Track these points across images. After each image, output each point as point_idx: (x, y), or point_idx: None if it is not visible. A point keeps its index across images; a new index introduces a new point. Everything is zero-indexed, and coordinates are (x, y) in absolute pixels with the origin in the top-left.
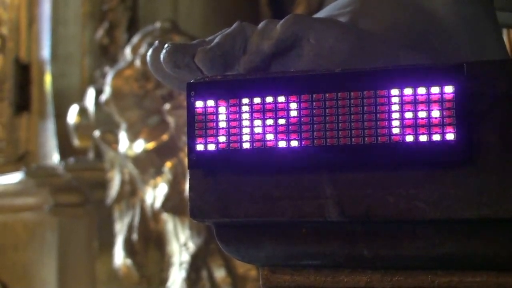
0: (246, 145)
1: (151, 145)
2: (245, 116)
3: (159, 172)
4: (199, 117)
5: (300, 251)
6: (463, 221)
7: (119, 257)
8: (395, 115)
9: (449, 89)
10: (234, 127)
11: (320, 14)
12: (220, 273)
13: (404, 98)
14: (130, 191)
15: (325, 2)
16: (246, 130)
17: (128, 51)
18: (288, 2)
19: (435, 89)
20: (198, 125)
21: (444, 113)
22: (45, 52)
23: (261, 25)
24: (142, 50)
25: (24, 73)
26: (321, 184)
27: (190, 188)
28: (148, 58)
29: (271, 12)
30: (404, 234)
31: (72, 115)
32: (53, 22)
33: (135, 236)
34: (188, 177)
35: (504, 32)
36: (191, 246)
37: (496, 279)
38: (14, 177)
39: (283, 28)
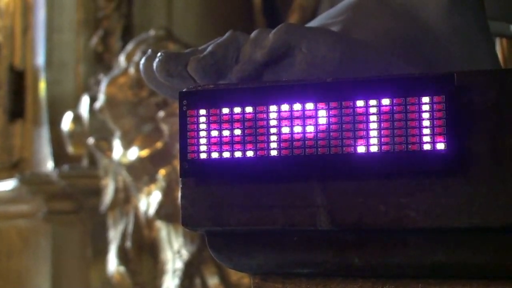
0: (238, 154)
1: (145, 152)
2: (237, 125)
3: (153, 179)
4: (191, 125)
5: (291, 260)
6: (454, 230)
7: (113, 264)
8: (386, 125)
9: (439, 98)
10: (226, 136)
11: (313, 23)
12: (213, 281)
13: (395, 107)
14: (124, 199)
15: (319, 10)
16: (238, 139)
17: (122, 58)
18: (282, 10)
19: (425, 99)
20: (190, 134)
21: (435, 122)
22: (40, 59)
23: (253, 34)
24: (136, 57)
25: (19, 80)
26: (313, 192)
27: (182, 197)
28: (141, 66)
29: (265, 20)
30: (395, 243)
31: (66, 123)
32: (47, 30)
33: (128, 244)
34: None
35: (496, 41)
36: (185, 253)
37: None
38: (8, 184)
39: (275, 37)
